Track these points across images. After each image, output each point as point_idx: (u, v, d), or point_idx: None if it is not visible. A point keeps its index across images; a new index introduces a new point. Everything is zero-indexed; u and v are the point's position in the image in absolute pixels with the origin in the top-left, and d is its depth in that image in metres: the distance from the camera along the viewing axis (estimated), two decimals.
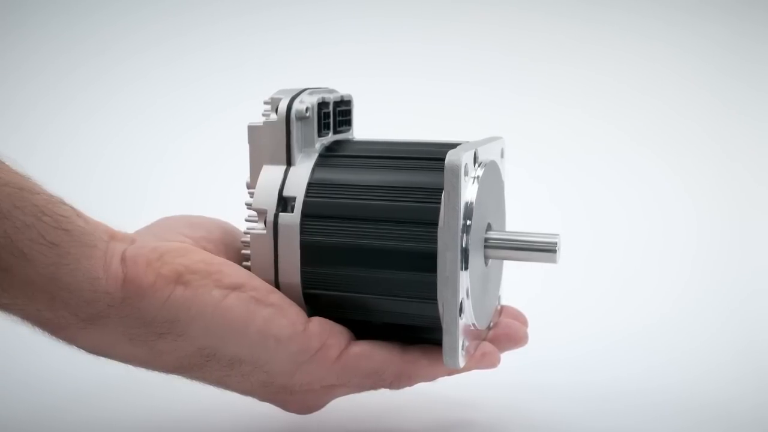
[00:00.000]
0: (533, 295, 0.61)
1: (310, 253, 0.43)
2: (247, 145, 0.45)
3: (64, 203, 0.38)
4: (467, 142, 0.44)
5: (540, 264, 0.44)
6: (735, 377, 0.58)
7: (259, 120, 0.45)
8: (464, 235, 0.40)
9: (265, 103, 0.45)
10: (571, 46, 1.06)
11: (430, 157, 0.43)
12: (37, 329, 0.39)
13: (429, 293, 0.41)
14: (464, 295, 0.40)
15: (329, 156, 0.45)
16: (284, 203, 0.44)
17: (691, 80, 1.03)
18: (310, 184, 0.44)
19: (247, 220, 0.44)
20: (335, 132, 0.48)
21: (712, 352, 0.63)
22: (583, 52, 1.05)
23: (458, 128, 0.58)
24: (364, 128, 0.53)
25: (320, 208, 0.43)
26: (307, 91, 0.46)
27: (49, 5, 1.08)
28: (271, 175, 0.44)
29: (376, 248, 0.42)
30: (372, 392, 0.45)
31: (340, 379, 0.43)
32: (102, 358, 0.41)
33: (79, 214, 0.38)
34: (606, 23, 1.05)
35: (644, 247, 0.88)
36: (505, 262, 0.50)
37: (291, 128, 0.44)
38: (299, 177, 0.44)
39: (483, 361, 0.45)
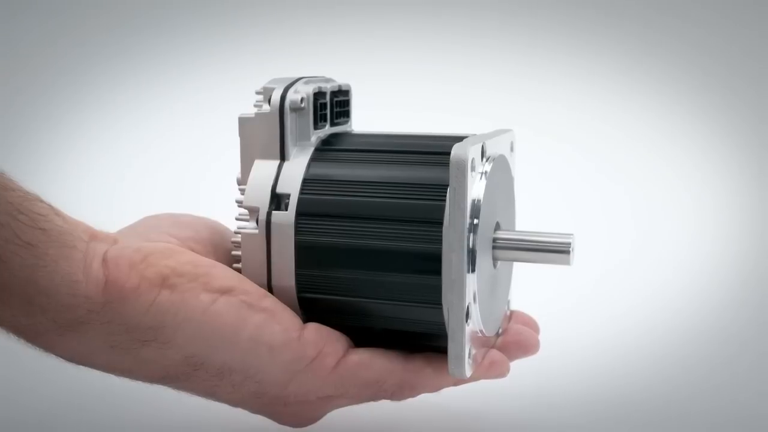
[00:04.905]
0: (545, 300, 0.61)
1: (305, 254, 0.43)
2: (238, 139, 0.45)
3: (42, 201, 0.38)
4: (474, 135, 0.44)
5: (553, 266, 0.44)
6: (756, 385, 0.58)
7: (251, 111, 0.45)
8: (471, 234, 0.40)
9: (257, 93, 0.45)
10: (584, 36, 1.06)
11: (435, 152, 0.43)
12: (12, 336, 0.39)
13: (433, 297, 0.41)
14: (471, 300, 0.40)
15: (326, 150, 0.45)
16: (278, 201, 0.43)
17: (708, 75, 1.03)
18: (305, 180, 0.43)
19: (237, 219, 0.44)
20: (332, 124, 0.48)
21: (734, 360, 0.63)
22: (596, 43, 1.05)
23: (464, 121, 0.58)
24: (363, 120, 0.53)
25: (316, 206, 0.43)
26: (303, 81, 0.45)
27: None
28: (264, 170, 0.44)
29: (376, 249, 0.42)
30: (372, 404, 0.45)
31: (337, 389, 0.43)
32: (82, 367, 0.41)
33: (57, 213, 0.38)
34: (620, 14, 1.05)
35: (663, 248, 0.88)
36: (515, 264, 0.50)
37: (285, 120, 0.44)
38: (294, 172, 0.44)
39: (491, 370, 0.45)
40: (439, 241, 0.40)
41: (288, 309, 0.43)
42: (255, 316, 0.41)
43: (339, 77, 0.49)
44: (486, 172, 0.41)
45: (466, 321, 0.40)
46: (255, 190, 0.44)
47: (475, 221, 0.40)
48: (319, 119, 0.46)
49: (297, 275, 0.43)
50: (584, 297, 0.75)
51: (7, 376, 0.59)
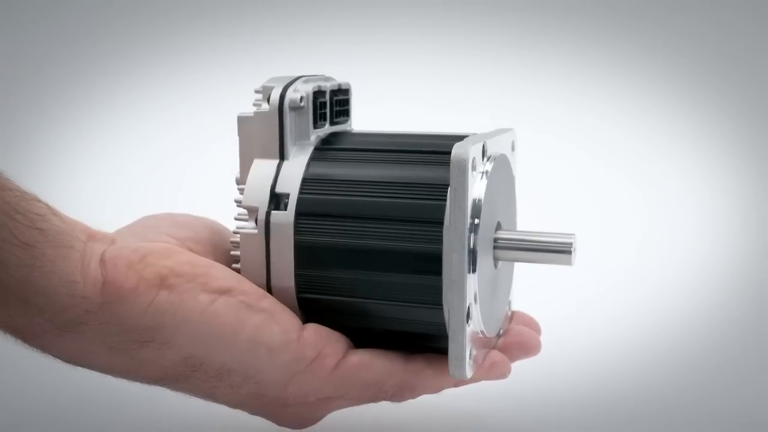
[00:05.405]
0: (547, 300, 0.61)
1: (305, 254, 0.43)
2: (237, 138, 0.45)
3: (39, 200, 0.38)
4: (475, 134, 0.44)
5: (554, 266, 0.44)
6: (757, 386, 0.58)
7: (250, 110, 0.45)
8: (472, 234, 0.40)
9: (256, 92, 0.45)
10: (585, 35, 1.06)
11: (435, 151, 0.43)
12: (9, 337, 0.39)
13: (434, 298, 0.41)
14: (472, 300, 0.40)
15: (326, 149, 0.45)
16: (277, 200, 0.43)
17: (709, 75, 1.03)
18: (304, 180, 0.43)
19: (236, 219, 0.44)
20: (332, 123, 0.48)
21: (735, 360, 0.63)
22: (597, 43, 1.05)
23: (465, 120, 0.58)
24: (363, 119, 0.52)
25: (316, 206, 0.43)
26: (302, 79, 0.45)
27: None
28: (263, 169, 0.44)
29: (376, 249, 0.41)
30: (372, 405, 0.45)
31: (337, 390, 0.43)
32: (80, 368, 0.41)
33: (54, 212, 0.38)
34: (621, 13, 1.05)
35: (664, 248, 0.87)
36: (517, 264, 0.50)
37: (284, 119, 0.44)
38: (293, 172, 0.44)
39: (492, 371, 0.45)
40: (440, 241, 0.40)
41: (287, 309, 0.43)
42: (254, 316, 0.41)
43: (339, 76, 0.49)
44: (487, 172, 0.41)
45: (467, 322, 0.40)
46: (254, 190, 0.44)
47: (476, 221, 0.40)
48: (318, 118, 0.46)
49: (296, 275, 0.43)
50: (586, 297, 0.75)
51: (6, 376, 0.59)
